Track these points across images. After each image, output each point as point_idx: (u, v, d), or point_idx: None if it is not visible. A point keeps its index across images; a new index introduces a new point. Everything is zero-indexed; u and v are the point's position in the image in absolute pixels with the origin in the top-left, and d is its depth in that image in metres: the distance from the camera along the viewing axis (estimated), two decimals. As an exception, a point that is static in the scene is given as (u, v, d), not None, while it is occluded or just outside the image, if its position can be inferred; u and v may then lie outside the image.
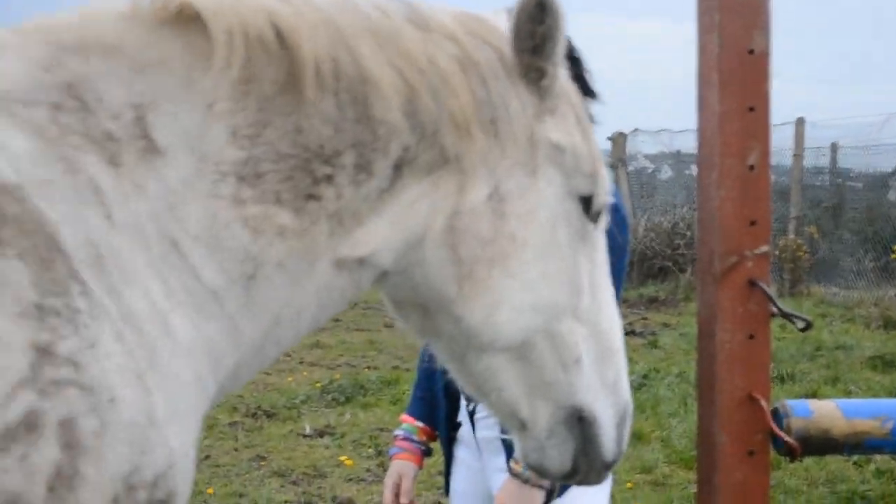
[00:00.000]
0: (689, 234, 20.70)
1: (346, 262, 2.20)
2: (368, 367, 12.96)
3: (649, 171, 28.21)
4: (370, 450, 9.42)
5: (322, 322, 2.32)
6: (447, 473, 4.08)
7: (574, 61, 3.60)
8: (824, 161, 23.76)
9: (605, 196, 2.46)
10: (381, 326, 15.46)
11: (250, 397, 11.07)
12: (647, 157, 27.62)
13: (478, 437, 3.90)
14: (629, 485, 8.51)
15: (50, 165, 1.87)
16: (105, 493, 1.76)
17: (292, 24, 2.09)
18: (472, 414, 3.90)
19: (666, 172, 27.73)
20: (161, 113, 2.00)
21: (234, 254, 2.05)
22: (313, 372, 12.61)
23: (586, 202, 2.40)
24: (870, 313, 16.72)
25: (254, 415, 10.51)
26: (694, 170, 20.29)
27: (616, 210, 3.68)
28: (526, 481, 3.58)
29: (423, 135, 2.19)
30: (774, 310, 2.60)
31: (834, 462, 8.70)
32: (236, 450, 9.40)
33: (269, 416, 10.53)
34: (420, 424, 4.08)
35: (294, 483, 8.60)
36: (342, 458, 9.18)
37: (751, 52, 2.58)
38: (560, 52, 2.35)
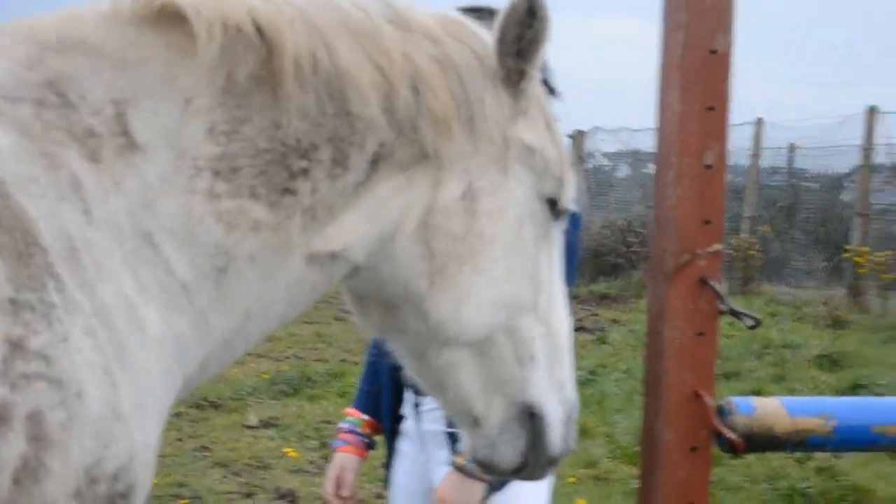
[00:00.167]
0: (643, 231, 20.82)
1: (318, 257, 2.21)
2: (316, 360, 12.96)
3: (606, 168, 28.41)
4: (315, 442, 9.41)
5: (292, 317, 2.33)
6: (388, 466, 4.06)
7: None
8: (782, 161, 23.99)
9: (570, 198, 2.49)
10: (331, 319, 15.45)
11: (196, 388, 10.97)
12: (605, 155, 27.82)
13: (422, 430, 3.88)
14: (572, 479, 8.53)
15: (33, 161, 1.89)
16: (68, 486, 1.78)
17: (273, 22, 2.10)
18: (416, 407, 3.88)
19: (623, 170, 27.94)
20: (141, 109, 2.02)
21: (207, 248, 2.07)
22: (261, 363, 12.58)
23: (552, 203, 2.44)
24: (818, 312, 16.88)
25: (199, 405, 10.47)
26: (651, 168, 20.45)
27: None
28: (468, 475, 3.57)
29: (401, 131, 2.21)
30: (724, 307, 2.60)
31: (776, 459, 8.76)
32: (180, 440, 9.35)
33: (215, 407, 10.50)
34: (365, 417, 4.07)
35: (237, 474, 8.57)
36: (286, 449, 9.17)
37: (713, 52, 2.58)
38: (542, 56, 2.39)
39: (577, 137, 24.86)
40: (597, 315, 17.43)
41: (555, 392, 2.52)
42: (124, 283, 1.94)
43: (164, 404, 2.05)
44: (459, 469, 3.60)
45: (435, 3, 2.49)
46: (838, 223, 20.75)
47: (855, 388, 11.21)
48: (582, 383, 11.44)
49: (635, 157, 26.25)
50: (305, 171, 2.13)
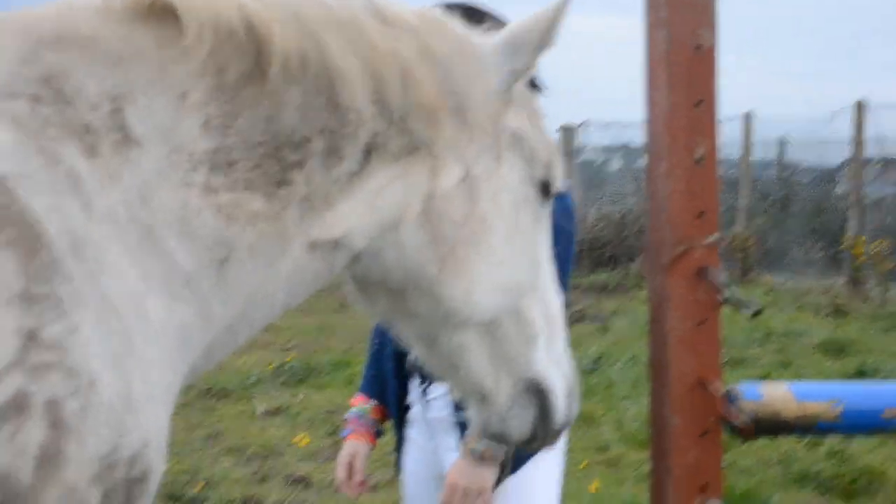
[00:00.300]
0: (638, 223, 20.79)
1: (319, 245, 2.25)
2: (320, 350, 12.95)
3: (598, 162, 28.34)
4: (324, 429, 9.41)
5: (294, 303, 2.37)
6: (398, 452, 4.10)
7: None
8: (772, 155, 23.97)
9: (558, 181, 2.59)
10: (333, 311, 15.43)
11: (202, 378, 10.98)
12: (596, 148, 27.73)
13: (429, 417, 3.91)
14: (583, 464, 8.56)
15: (31, 158, 1.90)
16: (86, 472, 1.82)
17: (262, 17, 2.12)
18: (423, 394, 3.92)
19: (615, 164, 27.86)
20: (137, 104, 2.04)
21: (206, 241, 2.09)
22: (265, 354, 12.55)
23: (542, 187, 2.54)
24: (819, 301, 16.88)
25: (206, 395, 10.47)
26: (643, 161, 20.40)
27: (562, 199, 3.72)
28: (478, 460, 3.60)
29: (392, 121, 2.25)
30: (724, 297, 2.63)
31: (786, 443, 8.76)
32: (189, 429, 9.35)
33: (222, 396, 10.50)
34: (373, 404, 4.10)
35: (248, 461, 8.60)
36: (296, 437, 9.17)
37: (698, 47, 2.60)
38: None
39: (568, 132, 24.75)
40: (597, 305, 17.42)
41: (555, 367, 2.66)
42: (128, 274, 1.97)
43: (171, 391, 2.08)
44: (468, 454, 3.61)
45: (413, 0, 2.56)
46: (833, 215, 20.74)
47: (860, 375, 11.23)
48: (587, 372, 11.49)
49: (626, 150, 26.21)
50: (300, 163, 2.17)
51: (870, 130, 19.16)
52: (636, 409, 9.79)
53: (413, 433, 4.03)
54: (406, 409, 4.02)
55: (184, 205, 2.06)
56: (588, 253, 20.67)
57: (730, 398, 2.63)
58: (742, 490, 7.84)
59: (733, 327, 13.41)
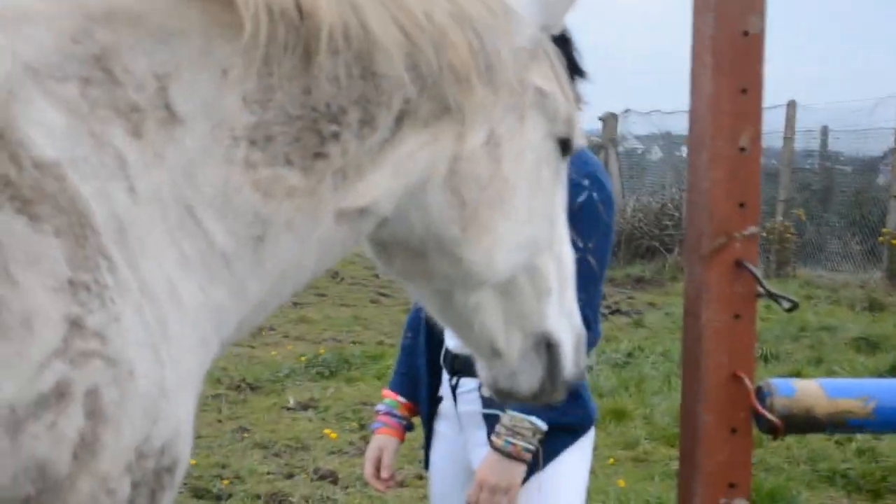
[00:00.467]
0: (677, 214, 20.74)
1: (347, 213, 2.24)
2: (353, 343, 12.97)
3: (639, 151, 28.28)
4: (353, 423, 9.43)
5: (321, 272, 2.40)
6: (427, 447, 4.09)
7: (564, 41, 3.63)
8: (815, 144, 23.80)
9: (579, 138, 2.60)
10: (367, 302, 15.48)
11: (234, 370, 11.08)
12: (637, 137, 27.70)
13: (459, 411, 3.90)
14: (611, 460, 8.55)
15: (82, 142, 1.91)
16: (121, 461, 1.83)
17: None
18: (454, 389, 3.91)
19: (656, 153, 27.81)
20: (182, 82, 2.03)
21: (246, 217, 2.09)
22: (297, 346, 12.62)
23: (563, 144, 2.53)
24: (855, 295, 16.78)
25: (237, 387, 10.51)
26: (684, 151, 20.35)
27: (602, 189, 3.70)
28: (507, 456, 3.60)
29: (424, 86, 2.24)
30: (761, 290, 2.61)
31: (815, 441, 8.73)
32: (219, 421, 9.41)
33: (253, 388, 10.54)
34: (402, 399, 4.10)
35: (276, 455, 8.61)
36: (325, 431, 9.19)
37: (745, 33, 2.57)
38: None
39: (609, 120, 24.74)
40: (632, 298, 17.39)
41: (566, 321, 2.67)
42: (166, 257, 1.97)
43: (200, 375, 2.09)
44: (497, 450, 3.62)
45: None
46: (873, 206, 20.59)
47: (894, 371, 11.16)
48: (619, 366, 11.48)
49: (668, 139, 26.14)
50: (336, 135, 2.16)
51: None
52: (667, 405, 9.76)
53: (442, 427, 4.03)
54: (437, 403, 4.01)
55: (225, 182, 2.06)
56: (625, 245, 20.64)
57: (762, 394, 2.60)
58: (769, 488, 7.81)
59: (767, 322, 13.37)
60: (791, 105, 21.43)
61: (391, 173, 2.25)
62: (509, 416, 3.63)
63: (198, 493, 7.69)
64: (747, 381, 2.59)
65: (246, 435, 9.08)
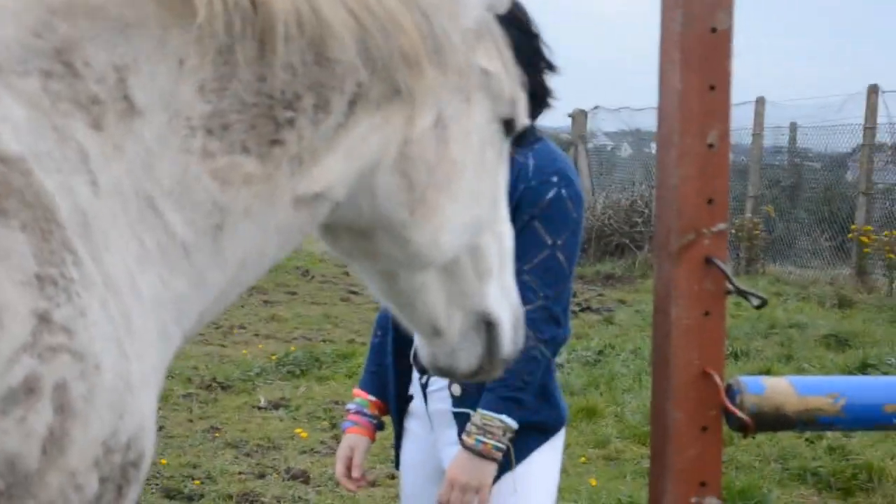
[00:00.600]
0: (646, 211, 20.78)
1: (303, 199, 2.25)
2: (324, 341, 12.97)
3: (609, 148, 28.37)
4: (325, 423, 9.43)
5: (280, 259, 2.41)
6: (397, 446, 4.09)
7: (533, 36, 3.62)
8: (783, 141, 23.89)
9: (523, 118, 2.62)
10: (338, 300, 15.47)
11: (205, 369, 11.06)
12: (607, 134, 27.79)
13: (430, 410, 3.90)
14: (583, 459, 8.57)
15: (45, 136, 1.91)
16: (89, 456, 1.82)
17: None
18: (424, 387, 3.90)
19: (625, 150, 27.90)
20: (141, 74, 2.03)
21: (204, 206, 2.10)
22: (269, 345, 12.60)
23: (507, 124, 2.56)
24: (824, 292, 16.86)
25: (208, 387, 10.49)
26: (653, 147, 20.41)
27: (571, 185, 3.70)
28: (478, 455, 3.59)
29: (375, 70, 2.25)
30: (730, 287, 2.61)
31: (786, 438, 8.77)
32: (190, 421, 9.39)
33: (224, 388, 10.52)
34: (372, 398, 4.08)
35: (248, 455, 8.60)
36: (297, 430, 9.18)
37: (713, 30, 2.57)
38: None
39: (578, 117, 24.80)
40: (602, 295, 17.43)
41: (505, 300, 2.71)
42: (128, 250, 1.97)
43: (162, 368, 2.09)
44: (468, 448, 3.62)
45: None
46: (842, 202, 20.69)
47: (864, 368, 11.19)
48: (590, 364, 11.51)
49: (637, 136, 26.22)
50: (291, 121, 2.17)
51: (882, 116, 19.08)
52: (638, 403, 9.79)
53: (413, 426, 4.03)
54: (406, 401, 4.00)
55: (184, 172, 2.06)
56: (595, 242, 20.67)
57: (732, 392, 2.60)
58: (740, 486, 7.84)
59: (737, 319, 13.42)
60: (760, 101, 21.52)
61: (345, 157, 2.26)
62: (480, 415, 3.63)
63: (169, 494, 7.66)
64: (717, 379, 2.59)
65: (217, 434, 9.07)
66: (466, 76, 2.42)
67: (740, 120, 20.62)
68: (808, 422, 2.63)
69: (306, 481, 8.02)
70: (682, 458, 2.61)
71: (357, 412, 4.08)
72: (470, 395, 3.71)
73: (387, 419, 4.13)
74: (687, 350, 2.60)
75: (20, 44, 1.96)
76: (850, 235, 18.58)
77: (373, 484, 7.67)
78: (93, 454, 1.82)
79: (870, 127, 18.96)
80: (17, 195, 1.79)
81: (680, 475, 2.61)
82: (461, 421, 3.73)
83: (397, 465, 4.16)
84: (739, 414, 2.56)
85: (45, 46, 1.97)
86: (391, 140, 2.30)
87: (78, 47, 1.99)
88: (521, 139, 3.67)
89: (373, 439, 4.09)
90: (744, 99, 21.47)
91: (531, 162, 3.68)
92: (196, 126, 2.07)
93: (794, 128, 23.33)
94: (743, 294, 2.60)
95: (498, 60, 2.52)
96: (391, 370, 4.00)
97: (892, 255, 17.27)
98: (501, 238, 2.67)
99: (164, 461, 8.14)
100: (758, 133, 21.50)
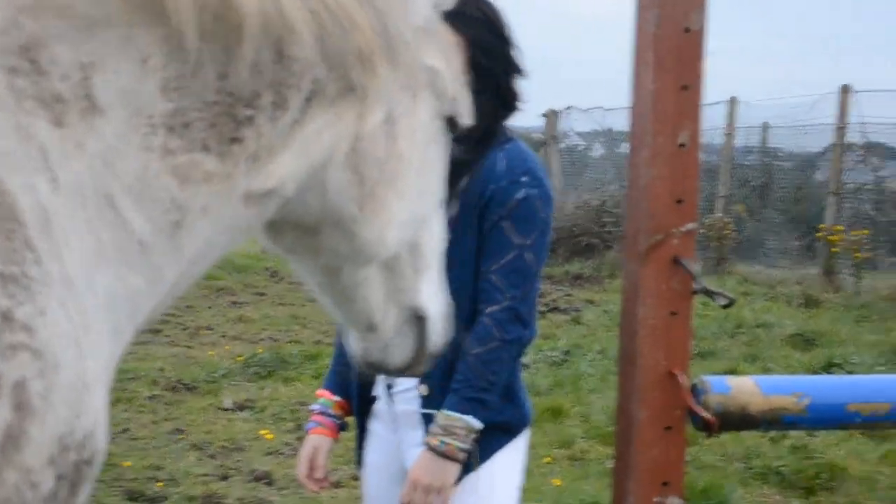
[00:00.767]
0: (617, 211, 20.81)
1: (255, 195, 2.25)
2: (291, 342, 12.95)
3: (581, 148, 28.42)
4: (290, 424, 9.41)
5: (227, 252, 2.43)
6: (359, 446, 4.06)
7: (505, 39, 3.61)
8: (755, 140, 23.98)
9: (465, 115, 2.64)
10: (305, 301, 15.43)
11: (171, 371, 11.03)
12: (579, 134, 27.82)
13: (394, 410, 3.87)
14: (547, 459, 8.56)
15: (8, 134, 1.90)
16: (45, 454, 1.82)
17: None
18: (389, 388, 3.87)
19: (597, 150, 27.95)
20: (105, 71, 2.03)
21: (164, 203, 2.10)
22: (235, 346, 12.58)
23: (449, 122, 2.60)
24: (791, 291, 16.93)
25: (174, 388, 10.46)
26: (625, 148, 20.46)
27: (540, 185, 3.69)
28: (441, 455, 3.57)
29: (331, 67, 2.26)
30: (697, 287, 2.60)
31: (750, 438, 8.79)
32: (155, 423, 9.35)
33: (190, 389, 10.49)
34: (336, 399, 4.07)
35: (212, 456, 8.57)
36: (261, 431, 9.17)
37: (686, 30, 2.57)
38: None
39: (551, 116, 24.83)
40: (571, 295, 17.43)
41: (435, 294, 2.76)
42: (85, 247, 1.97)
43: (113, 366, 2.10)
44: (432, 449, 3.60)
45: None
46: (812, 202, 20.78)
47: (829, 367, 11.24)
48: (557, 364, 11.50)
49: (609, 136, 26.26)
50: (251, 119, 2.17)
51: (853, 116, 19.17)
52: (604, 403, 9.78)
53: (377, 427, 4.01)
54: (370, 402, 3.97)
55: (144, 169, 2.06)
56: (565, 242, 20.67)
57: (697, 391, 2.59)
58: (703, 486, 7.85)
59: (704, 318, 13.45)
60: (733, 101, 21.61)
61: (298, 153, 2.27)
62: (444, 416, 3.61)
63: (132, 496, 7.63)
64: (682, 379, 2.58)
65: (182, 436, 9.03)
66: (415, 74, 2.45)
67: (712, 120, 20.72)
68: (773, 421, 2.64)
69: (270, 483, 8.00)
70: (645, 458, 2.60)
71: (321, 412, 4.07)
72: (438, 396, 3.68)
73: (351, 420, 4.11)
74: (653, 350, 2.60)
75: None
76: (818, 235, 18.66)
77: (336, 485, 7.66)
78: (49, 452, 1.82)
79: (841, 126, 19.04)
80: None
81: (643, 475, 2.61)
82: (429, 422, 3.71)
83: (359, 465, 4.13)
84: (703, 414, 2.56)
85: (11, 43, 1.96)
86: (343, 136, 2.31)
87: (44, 45, 1.98)
88: (491, 139, 3.66)
89: (336, 439, 4.08)
90: (716, 99, 21.59)
91: (501, 162, 3.67)
92: (157, 124, 2.07)
93: (765, 128, 23.42)
94: (710, 294, 2.59)
95: (442, 58, 2.56)
96: (356, 370, 3.97)
97: (859, 255, 17.35)
98: (434, 233, 2.71)
99: (127, 463, 8.09)
100: (729, 133, 21.58)
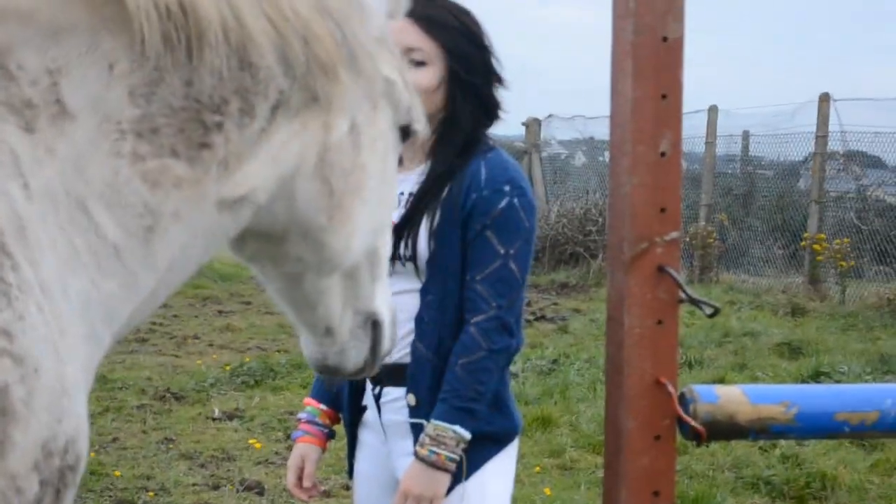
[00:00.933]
0: (600, 220, 20.82)
1: (227, 202, 2.27)
2: (279, 351, 12.95)
3: (563, 157, 28.42)
4: (279, 433, 9.40)
5: (206, 261, 2.45)
6: (350, 456, 4.07)
7: (484, 49, 3.64)
8: (736, 149, 24.01)
9: (420, 125, 2.72)
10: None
11: (159, 380, 11.01)
12: (560, 143, 27.82)
13: (384, 420, 3.88)
14: (537, 468, 8.56)
15: None
16: (29, 460, 1.83)
17: None
18: (377, 398, 3.88)
19: (580, 159, 27.96)
20: (72, 77, 2.05)
21: (135, 208, 2.11)
22: (223, 355, 12.56)
23: (404, 131, 2.67)
24: (777, 300, 16.96)
25: (162, 398, 10.45)
26: (607, 156, 20.46)
27: (523, 194, 3.71)
28: (431, 466, 3.58)
29: (294, 77, 2.29)
30: (683, 296, 2.61)
31: (740, 447, 8.80)
32: (144, 432, 9.34)
33: (178, 398, 10.48)
34: (323, 407, 4.07)
35: (202, 466, 8.55)
36: (251, 441, 9.15)
37: (665, 39, 2.58)
38: None
39: (532, 125, 24.84)
40: (557, 304, 17.44)
41: (384, 298, 2.84)
42: (58, 252, 1.98)
43: (91, 371, 2.11)
44: (422, 459, 3.60)
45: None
46: (795, 211, 20.81)
47: (816, 376, 11.26)
48: (545, 373, 11.51)
49: (591, 144, 26.28)
50: (219, 125, 2.19)
51: (834, 124, 19.19)
52: (592, 412, 9.80)
53: (366, 437, 4.01)
54: (360, 411, 3.98)
55: (115, 174, 2.08)
56: (549, 251, 20.69)
57: (685, 400, 2.61)
58: (694, 495, 7.86)
59: (691, 328, 13.47)
60: (713, 110, 21.64)
61: (267, 162, 2.29)
62: (433, 426, 3.61)
63: (123, 506, 7.60)
64: (670, 388, 2.59)
65: (171, 446, 9.02)
66: (374, 83, 2.49)
67: (693, 128, 20.72)
68: (761, 430, 2.64)
69: (261, 492, 7.99)
70: (635, 467, 2.61)
71: (308, 421, 4.07)
72: (426, 406, 3.69)
73: (339, 428, 4.12)
74: (640, 359, 2.61)
75: None
76: (802, 244, 18.69)
77: (327, 494, 7.65)
78: (33, 457, 1.84)
79: (822, 135, 19.06)
80: None
81: (633, 484, 2.61)
82: (417, 431, 3.71)
83: (350, 475, 4.14)
84: (693, 423, 2.57)
85: None
86: (310, 145, 2.34)
87: (11, 51, 2.00)
88: (473, 148, 3.69)
89: (324, 448, 4.08)
90: (696, 108, 21.60)
91: (483, 171, 3.68)
92: (126, 130, 2.09)
93: (746, 136, 23.45)
94: (695, 303, 2.60)
95: (395, 68, 2.61)
96: (344, 380, 3.98)
97: (843, 264, 17.39)
98: (386, 241, 2.82)
99: (117, 473, 8.09)
100: (710, 141, 21.60)
